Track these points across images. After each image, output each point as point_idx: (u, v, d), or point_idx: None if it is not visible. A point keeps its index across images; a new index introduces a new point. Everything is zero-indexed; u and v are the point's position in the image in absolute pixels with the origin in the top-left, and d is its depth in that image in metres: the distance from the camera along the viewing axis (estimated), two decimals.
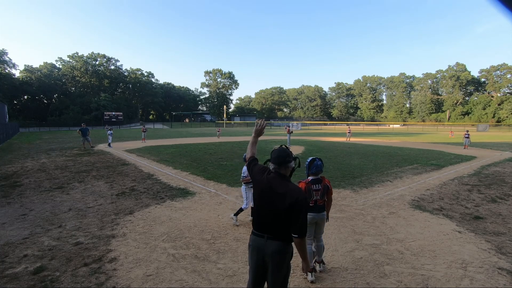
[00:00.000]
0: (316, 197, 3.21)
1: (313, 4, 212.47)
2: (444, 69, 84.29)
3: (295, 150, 16.28)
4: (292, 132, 20.36)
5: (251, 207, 4.68)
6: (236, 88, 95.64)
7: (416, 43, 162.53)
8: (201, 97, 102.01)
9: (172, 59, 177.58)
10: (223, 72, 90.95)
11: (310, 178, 3.29)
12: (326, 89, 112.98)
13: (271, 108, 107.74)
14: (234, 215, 4.84)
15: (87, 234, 4.38)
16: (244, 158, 4.73)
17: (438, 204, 6.01)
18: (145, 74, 79.55)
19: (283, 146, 2.19)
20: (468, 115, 78.18)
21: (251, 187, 4.76)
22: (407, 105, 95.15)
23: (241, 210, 4.83)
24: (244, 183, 4.81)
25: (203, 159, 12.45)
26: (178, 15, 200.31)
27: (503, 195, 6.73)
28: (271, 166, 2.12)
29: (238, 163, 11.22)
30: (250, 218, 4.97)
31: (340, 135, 34.29)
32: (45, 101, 63.47)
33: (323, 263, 3.38)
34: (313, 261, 3.28)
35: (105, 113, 60.26)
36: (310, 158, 3.35)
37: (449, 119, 79.50)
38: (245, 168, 4.75)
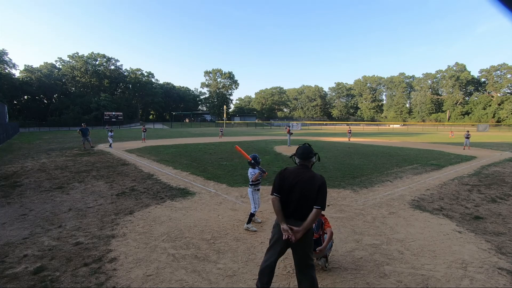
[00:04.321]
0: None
1: (313, 4, 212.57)
2: (444, 69, 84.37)
3: (295, 150, 16.26)
4: (292, 133, 20.37)
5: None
6: (236, 88, 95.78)
7: (416, 43, 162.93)
8: (201, 97, 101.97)
9: (172, 59, 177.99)
10: (223, 72, 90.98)
11: None
12: (326, 89, 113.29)
13: (271, 108, 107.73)
14: (247, 223, 4.63)
15: (87, 234, 4.38)
16: (249, 161, 4.72)
17: (438, 204, 6.01)
18: (145, 74, 79.49)
19: (307, 144, 2.78)
20: (468, 115, 78.18)
21: (257, 189, 4.72)
22: (407, 105, 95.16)
23: (252, 215, 4.65)
24: (250, 185, 4.70)
25: (203, 159, 12.45)
26: (178, 15, 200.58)
27: (503, 195, 6.73)
28: (296, 160, 2.71)
29: (238, 163, 11.22)
30: (259, 220, 4.94)
31: (340, 135, 34.29)
32: (45, 101, 63.47)
33: (327, 261, 3.40)
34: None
35: (105, 113, 60.26)
36: None
37: (449, 119, 79.50)
38: (250, 169, 4.75)
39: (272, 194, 2.59)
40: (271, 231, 2.72)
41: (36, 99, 61.25)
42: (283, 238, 2.44)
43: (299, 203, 2.46)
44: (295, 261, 2.59)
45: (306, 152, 2.63)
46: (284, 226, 2.44)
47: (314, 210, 2.41)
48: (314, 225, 3.36)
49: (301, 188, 2.46)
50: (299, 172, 2.55)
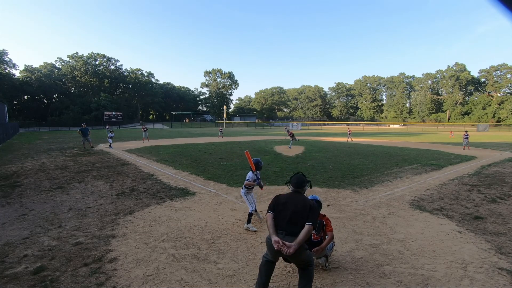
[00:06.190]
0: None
1: (313, 4, 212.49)
2: (444, 69, 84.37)
3: (296, 150, 16.29)
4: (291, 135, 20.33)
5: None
6: (236, 88, 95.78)
7: (416, 44, 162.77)
8: (201, 97, 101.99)
9: (172, 59, 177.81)
10: (223, 72, 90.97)
11: None
12: (326, 89, 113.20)
13: (271, 108, 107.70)
14: (247, 223, 4.66)
15: (87, 234, 4.38)
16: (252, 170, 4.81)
17: (438, 204, 6.01)
18: (145, 74, 79.52)
19: (300, 173, 3.12)
20: (468, 115, 78.18)
21: (250, 192, 4.82)
22: (407, 105, 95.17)
23: (250, 215, 4.69)
24: (243, 187, 4.78)
25: (203, 159, 12.44)
26: (178, 15, 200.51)
27: (503, 195, 6.73)
28: (291, 188, 3.01)
29: (238, 163, 11.22)
30: (261, 216, 4.98)
31: (340, 135, 34.28)
32: (45, 101, 63.45)
33: (327, 260, 3.40)
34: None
35: (105, 113, 60.27)
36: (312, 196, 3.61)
37: (449, 119, 79.49)
38: (250, 173, 4.81)
39: (267, 212, 2.85)
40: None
41: (36, 99, 61.21)
42: (275, 248, 2.56)
43: (290, 219, 2.69)
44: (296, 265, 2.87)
45: (299, 181, 2.98)
46: (274, 238, 2.57)
47: (306, 227, 2.60)
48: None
49: (293, 206, 2.76)
50: (292, 196, 2.90)
